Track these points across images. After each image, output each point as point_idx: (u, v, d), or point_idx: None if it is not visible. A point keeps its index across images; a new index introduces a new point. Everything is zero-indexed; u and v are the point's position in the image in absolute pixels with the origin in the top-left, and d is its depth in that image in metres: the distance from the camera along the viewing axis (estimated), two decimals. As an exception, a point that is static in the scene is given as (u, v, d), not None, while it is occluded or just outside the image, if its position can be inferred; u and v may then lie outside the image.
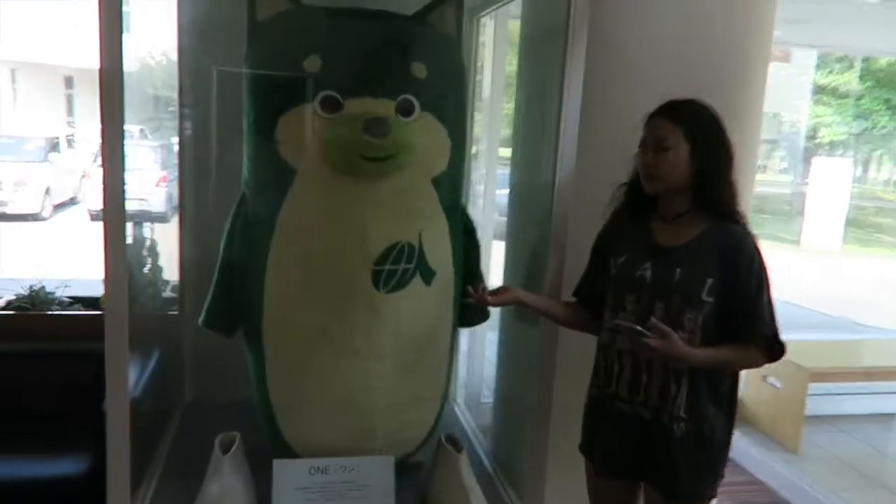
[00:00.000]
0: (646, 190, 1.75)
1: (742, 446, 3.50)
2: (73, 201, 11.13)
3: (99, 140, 1.66)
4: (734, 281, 1.64)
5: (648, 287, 1.71)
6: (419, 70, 2.01)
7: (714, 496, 1.77)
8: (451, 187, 2.14)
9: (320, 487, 1.97)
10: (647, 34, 2.19)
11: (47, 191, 10.52)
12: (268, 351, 2.07)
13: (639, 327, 1.60)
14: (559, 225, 1.97)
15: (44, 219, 10.41)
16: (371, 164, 1.91)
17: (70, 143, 11.65)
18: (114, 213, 1.68)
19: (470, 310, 2.26)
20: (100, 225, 2.63)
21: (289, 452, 2.09)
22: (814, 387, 3.63)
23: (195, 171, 2.67)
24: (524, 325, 2.29)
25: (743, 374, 3.95)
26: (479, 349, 3.09)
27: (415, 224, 2.04)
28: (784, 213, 13.45)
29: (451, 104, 2.11)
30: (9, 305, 2.77)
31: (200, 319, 2.16)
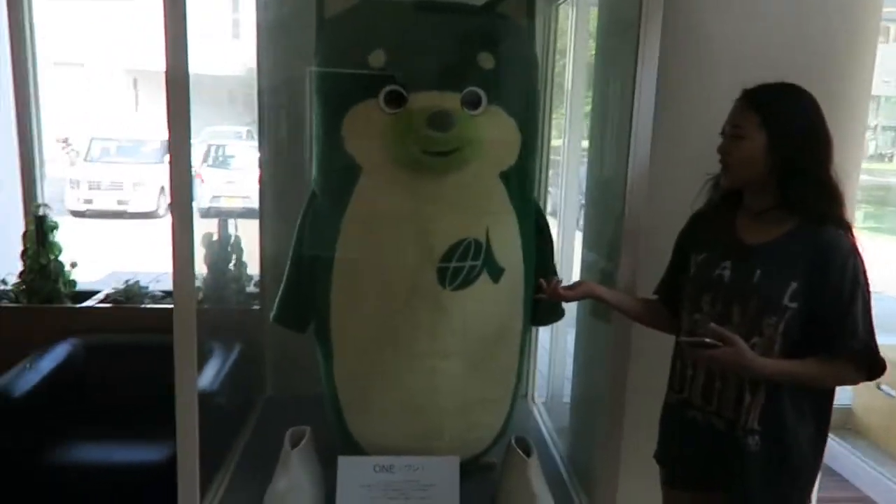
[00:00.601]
0: (721, 182, 1.61)
1: (850, 459, 3.22)
2: (185, 200, 11.76)
3: (168, 140, 1.71)
4: (822, 287, 1.47)
5: (725, 288, 1.58)
6: (486, 61, 1.95)
7: (799, 519, 1.61)
8: (522, 182, 2.07)
9: (385, 485, 1.95)
10: (732, 15, 2.03)
11: (162, 190, 11.18)
12: (335, 348, 2.08)
13: (707, 339, 1.47)
14: (633, 217, 1.86)
15: (159, 216, 11.07)
16: (435, 160, 1.88)
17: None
18: (181, 210, 1.72)
19: (543, 308, 2.18)
20: (208, 222, 2.77)
21: (356, 449, 2.09)
22: (932, 396, 3.31)
23: (274, 169, 2.73)
24: (601, 323, 2.18)
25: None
26: (563, 347, 2.99)
27: (482, 220, 1.99)
28: (914, 207, 12.38)
29: (520, 96, 2.04)
30: (106, 299, 2.94)
31: (272, 315, 2.20)
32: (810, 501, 1.63)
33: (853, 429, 3.51)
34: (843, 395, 3.74)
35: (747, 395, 1.54)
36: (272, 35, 2.61)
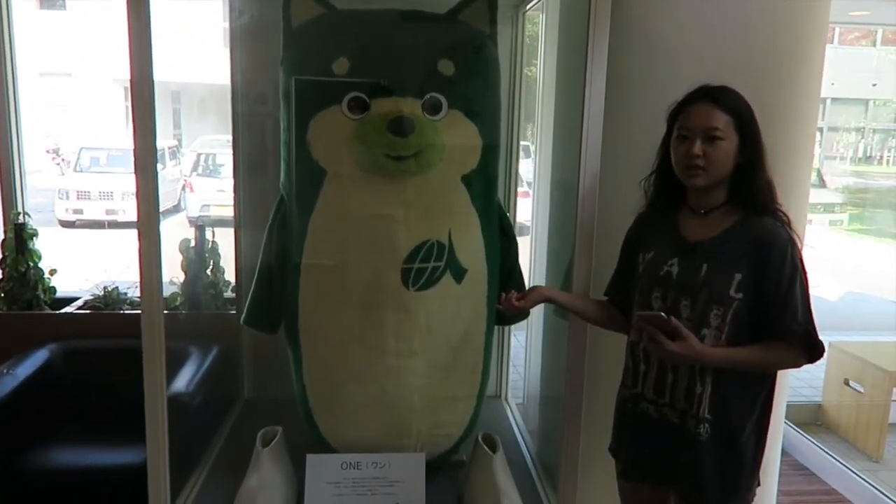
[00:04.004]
0: (688, 184, 1.63)
1: (818, 454, 3.27)
2: (176, 209, 11.79)
3: (133, 149, 1.76)
4: (763, 275, 1.54)
5: (674, 284, 1.64)
6: (446, 67, 2.01)
7: (748, 503, 1.67)
8: (484, 185, 2.13)
9: (352, 482, 2.00)
10: (683, 18, 2.09)
11: (152, 199, 11.13)
12: (304, 348, 2.14)
13: (662, 314, 1.54)
14: (585, 218, 1.91)
15: (149, 226, 11.02)
16: (395, 163, 1.93)
17: (174, 154, 12.37)
18: (147, 218, 1.78)
19: (507, 308, 2.23)
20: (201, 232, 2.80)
21: (327, 448, 2.15)
22: (899, 391, 3.38)
23: (248, 175, 2.78)
24: (564, 323, 2.24)
25: (823, 377, 3.72)
26: (538, 349, 3.04)
27: (444, 222, 2.05)
28: (903, 208, 12.50)
29: (481, 101, 2.10)
30: (85, 305, 2.98)
31: (242, 318, 2.25)
32: (757, 483, 1.68)
33: (823, 424, 3.57)
34: (814, 392, 3.81)
35: (698, 386, 1.60)
36: (244, 44, 2.67)
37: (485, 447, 2.11)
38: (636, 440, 1.75)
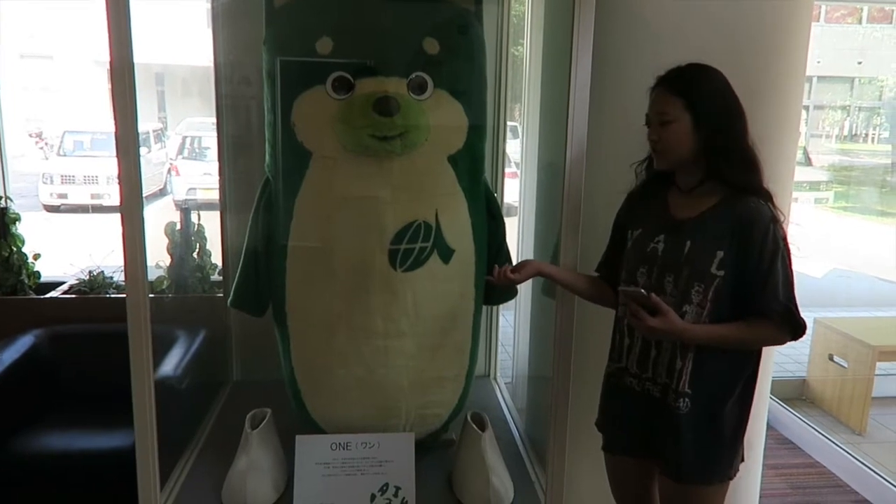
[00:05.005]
0: (655, 166, 1.67)
1: (803, 428, 3.32)
2: (161, 193, 11.68)
3: (114, 132, 1.74)
4: (745, 253, 1.55)
5: (660, 260, 1.65)
6: (431, 46, 1.99)
7: (730, 478, 1.68)
8: (470, 165, 2.12)
9: (342, 462, 2.01)
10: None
11: (137, 183, 11.03)
12: (291, 330, 2.13)
13: (643, 290, 1.55)
14: (572, 196, 1.91)
15: (135, 209, 10.93)
16: (381, 144, 1.92)
17: (159, 137, 12.23)
18: (130, 202, 1.76)
19: (496, 287, 2.23)
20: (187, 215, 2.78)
21: (315, 429, 2.15)
22: (882, 366, 3.42)
23: (233, 157, 2.75)
24: (552, 302, 2.24)
25: (807, 352, 3.77)
26: (524, 326, 3.05)
27: (431, 203, 2.04)
28: (886, 186, 12.57)
29: (467, 80, 2.08)
30: (70, 290, 2.96)
31: (229, 300, 2.24)
32: (740, 459, 1.70)
33: (807, 399, 3.62)
34: (798, 368, 3.86)
35: (679, 362, 1.62)
36: (226, 24, 2.63)
37: (474, 426, 2.13)
38: (620, 414, 1.78)
